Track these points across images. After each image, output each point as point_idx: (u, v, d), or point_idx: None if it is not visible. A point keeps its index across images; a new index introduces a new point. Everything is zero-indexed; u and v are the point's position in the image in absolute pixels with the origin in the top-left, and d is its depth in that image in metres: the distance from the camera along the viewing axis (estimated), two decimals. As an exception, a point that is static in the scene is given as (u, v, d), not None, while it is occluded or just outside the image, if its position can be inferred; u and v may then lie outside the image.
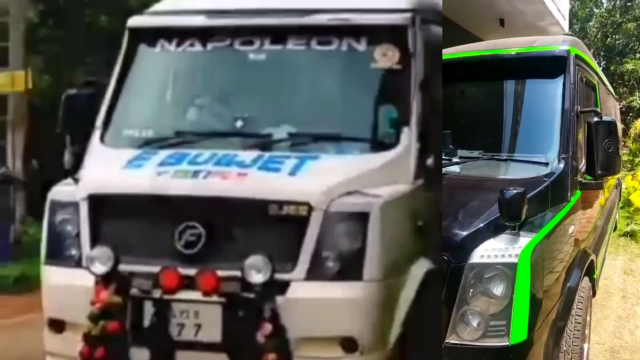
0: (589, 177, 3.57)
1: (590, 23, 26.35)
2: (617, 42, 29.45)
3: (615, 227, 9.11)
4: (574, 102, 3.58)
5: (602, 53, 28.73)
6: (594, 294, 4.12)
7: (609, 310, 5.84)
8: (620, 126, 14.84)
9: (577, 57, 3.88)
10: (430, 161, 2.71)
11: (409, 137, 2.66)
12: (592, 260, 3.84)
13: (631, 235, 9.35)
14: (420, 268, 2.59)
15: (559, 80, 3.66)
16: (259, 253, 2.39)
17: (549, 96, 3.69)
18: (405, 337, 2.51)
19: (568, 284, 3.23)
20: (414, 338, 2.54)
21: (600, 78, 5.55)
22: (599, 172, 3.42)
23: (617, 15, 28.47)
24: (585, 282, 3.61)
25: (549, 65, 3.77)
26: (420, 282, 2.56)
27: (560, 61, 3.72)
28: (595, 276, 4.14)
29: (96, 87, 2.91)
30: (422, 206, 2.63)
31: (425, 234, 2.64)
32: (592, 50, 25.98)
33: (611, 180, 7.12)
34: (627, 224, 9.66)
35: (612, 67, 27.78)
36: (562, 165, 3.36)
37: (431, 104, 2.75)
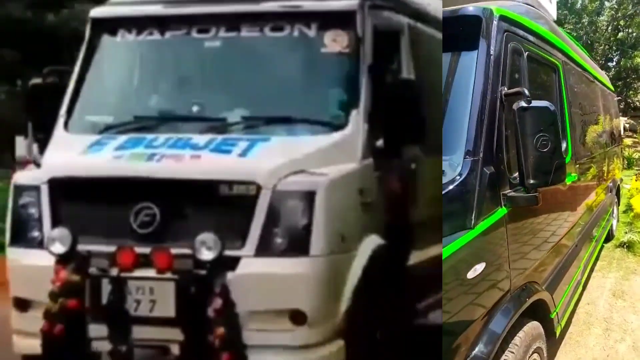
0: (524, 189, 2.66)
1: (601, 17, 25.50)
2: (630, 35, 28.51)
3: (612, 237, 8.19)
4: (495, 81, 2.65)
5: (613, 47, 28.13)
6: (555, 335, 3.53)
7: (584, 350, 4.57)
8: (622, 121, 14.18)
9: (508, 21, 2.91)
10: (380, 142, 2.82)
11: (357, 119, 2.77)
12: (541, 299, 3.13)
13: (628, 246, 7.94)
14: (369, 244, 2.70)
15: (472, 52, 2.72)
16: (210, 231, 2.52)
17: (458, 73, 2.75)
18: (354, 310, 2.62)
19: (487, 331, 2.52)
20: (362, 310, 2.65)
21: (572, 58, 4.73)
22: (530, 181, 2.59)
23: (629, 7, 27.62)
24: (531, 326, 2.92)
25: (460, 31, 2.79)
26: (369, 257, 2.68)
27: (475, 24, 2.73)
28: (552, 315, 3.41)
29: (60, 76, 3.04)
30: (370, 184, 2.75)
31: (374, 211, 2.76)
32: (603, 46, 25.33)
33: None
34: (626, 232, 8.30)
35: (622, 62, 27.24)
36: (464, 173, 2.41)
37: (382, 87, 2.85)
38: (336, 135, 2.75)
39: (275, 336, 2.54)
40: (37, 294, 2.65)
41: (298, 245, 2.55)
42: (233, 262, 2.55)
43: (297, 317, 2.54)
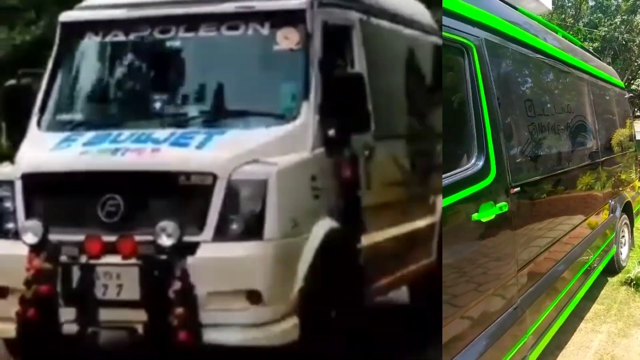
0: None
1: (637, 17, 23.83)
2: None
3: (619, 268, 6.77)
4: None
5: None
6: None
7: None
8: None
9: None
10: (331, 132, 3.05)
11: (308, 111, 3.00)
12: None
13: (637, 285, 6.25)
14: (321, 227, 2.93)
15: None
16: (170, 219, 2.76)
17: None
18: (307, 289, 2.85)
19: None
20: (315, 290, 2.89)
21: (520, 41, 3.88)
22: None
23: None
24: None
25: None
26: (322, 239, 2.91)
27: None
28: None
29: (33, 78, 3.30)
30: (321, 172, 2.98)
31: (326, 196, 2.99)
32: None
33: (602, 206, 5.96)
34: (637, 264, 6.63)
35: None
36: None
37: (331, 80, 3.07)
38: (288, 127, 2.99)
39: (233, 315, 2.77)
40: (14, 282, 2.88)
41: (253, 230, 2.79)
42: (192, 247, 2.78)
43: (253, 297, 2.77)
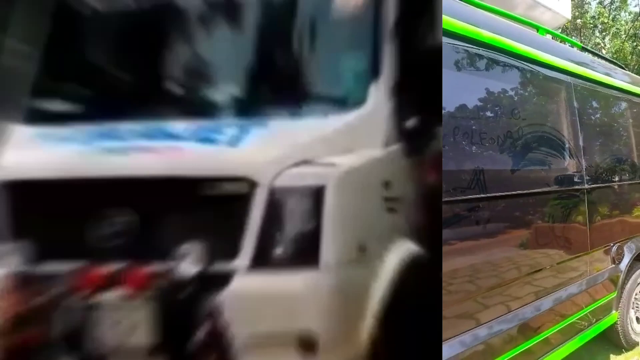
0: None
1: None
2: None
3: (628, 343, 4.83)
4: None
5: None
6: None
7: None
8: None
9: None
10: (410, 122, 2.33)
11: (377, 94, 2.29)
12: None
13: None
14: (397, 252, 2.22)
15: None
16: (195, 241, 2.09)
17: None
18: (378, 336, 2.14)
19: None
20: (394, 333, 2.18)
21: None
22: None
23: None
24: None
25: None
26: (398, 268, 2.19)
27: None
28: None
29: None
30: (397, 176, 2.26)
31: (404, 209, 2.27)
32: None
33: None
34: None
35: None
36: None
37: (411, 52, 2.37)
38: (352, 116, 2.27)
39: None
40: None
41: (305, 254, 2.11)
42: (224, 278, 2.11)
43: (306, 344, 2.09)
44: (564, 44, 5.25)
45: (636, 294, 4.97)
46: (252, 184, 2.13)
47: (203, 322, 2.09)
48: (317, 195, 2.10)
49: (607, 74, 4.94)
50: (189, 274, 2.10)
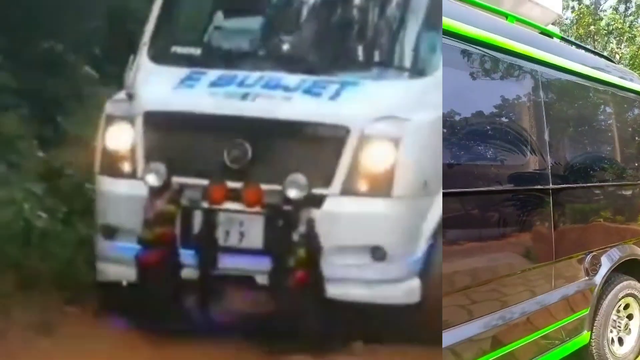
0: None
1: None
2: None
3: None
4: None
5: None
6: None
7: None
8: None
9: None
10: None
11: (440, 66, 3.00)
12: None
13: None
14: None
15: None
16: (299, 171, 2.78)
17: None
18: (431, 252, 2.91)
19: None
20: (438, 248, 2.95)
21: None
22: None
23: None
24: None
25: None
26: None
27: None
28: None
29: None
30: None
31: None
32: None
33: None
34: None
35: None
36: None
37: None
38: (426, 80, 2.99)
39: (356, 270, 2.82)
40: (127, 222, 2.89)
41: (382, 187, 2.82)
42: (319, 200, 2.81)
43: (377, 253, 2.82)
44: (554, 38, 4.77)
45: (617, 312, 4.38)
46: (347, 131, 2.83)
47: (301, 232, 2.80)
48: (395, 142, 2.83)
49: (595, 67, 4.57)
50: (295, 197, 2.79)
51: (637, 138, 5.15)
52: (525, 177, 3.60)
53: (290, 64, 3.00)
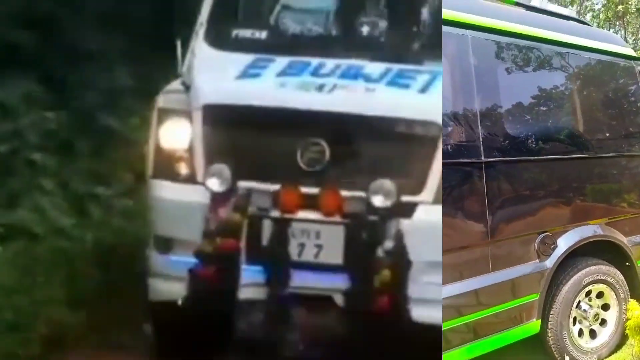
0: None
1: None
2: None
3: None
4: None
5: None
6: None
7: None
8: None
9: None
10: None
11: None
12: None
13: None
14: None
15: None
16: (386, 175, 2.41)
17: None
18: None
19: None
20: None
21: None
22: None
23: None
24: None
25: None
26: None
27: None
28: None
29: None
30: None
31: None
32: None
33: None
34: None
35: None
36: None
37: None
38: None
39: (436, 289, 2.48)
40: (184, 233, 2.54)
41: None
42: (409, 209, 2.44)
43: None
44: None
45: (589, 301, 3.95)
46: (439, 128, 2.46)
47: (388, 247, 2.42)
48: None
49: (557, 30, 4.05)
50: (381, 205, 2.42)
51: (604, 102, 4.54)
52: (453, 150, 3.21)
53: (372, 49, 2.62)
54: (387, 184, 2.42)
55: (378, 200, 2.42)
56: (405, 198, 2.44)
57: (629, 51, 4.59)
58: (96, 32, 3.19)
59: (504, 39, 3.62)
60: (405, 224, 2.43)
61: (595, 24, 12.76)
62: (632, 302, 3.52)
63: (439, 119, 2.45)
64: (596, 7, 18.24)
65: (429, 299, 2.47)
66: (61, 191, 2.87)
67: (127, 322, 2.65)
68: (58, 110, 2.94)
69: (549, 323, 3.69)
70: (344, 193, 2.45)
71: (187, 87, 2.62)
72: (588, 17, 14.74)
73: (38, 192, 2.85)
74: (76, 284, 2.67)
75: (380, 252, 2.43)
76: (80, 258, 2.81)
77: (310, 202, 2.46)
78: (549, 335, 3.70)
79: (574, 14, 4.75)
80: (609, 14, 16.79)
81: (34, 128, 2.91)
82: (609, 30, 12.78)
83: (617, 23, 17.31)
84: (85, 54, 3.09)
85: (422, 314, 2.47)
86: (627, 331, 3.39)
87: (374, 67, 2.56)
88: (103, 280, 2.79)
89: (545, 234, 3.64)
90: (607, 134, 4.43)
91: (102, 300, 2.69)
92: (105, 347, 2.56)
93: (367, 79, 2.53)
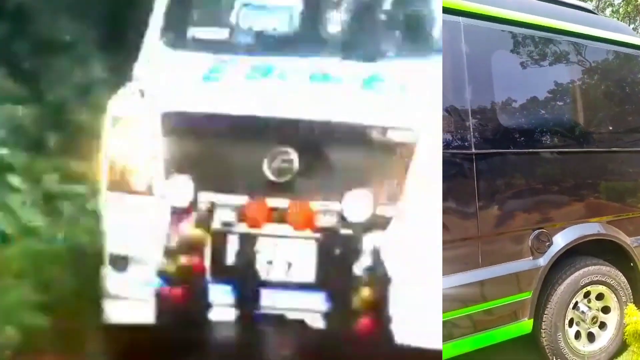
0: None
1: None
2: None
3: None
4: None
5: None
6: None
7: None
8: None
9: None
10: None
11: None
12: None
13: None
14: None
15: None
16: (361, 186, 2.24)
17: None
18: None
19: None
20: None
21: None
22: None
23: None
24: None
25: None
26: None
27: None
28: None
29: None
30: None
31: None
32: None
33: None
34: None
35: None
36: None
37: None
38: None
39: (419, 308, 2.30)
40: (140, 251, 2.34)
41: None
42: (385, 221, 2.27)
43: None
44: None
45: (588, 302, 3.79)
46: (415, 135, 2.28)
47: (364, 263, 2.25)
48: None
49: (562, 19, 3.87)
50: (356, 219, 2.25)
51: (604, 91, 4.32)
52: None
53: (343, 49, 2.43)
54: (363, 194, 2.24)
55: (352, 213, 2.25)
56: (381, 210, 2.26)
57: (637, 40, 4.34)
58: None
59: (499, 27, 3.47)
60: (381, 237, 2.26)
61: (615, 19, 12.67)
62: (630, 307, 3.37)
63: (414, 124, 2.27)
64: (615, 2, 18.29)
65: (406, 319, 2.30)
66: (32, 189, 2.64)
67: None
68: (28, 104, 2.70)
69: (543, 323, 3.56)
70: (315, 205, 2.27)
71: (142, 93, 2.42)
72: (607, 12, 14.67)
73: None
74: (47, 287, 2.46)
75: (355, 268, 2.26)
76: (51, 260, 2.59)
77: (278, 216, 2.29)
78: (543, 335, 3.57)
79: (579, 2, 4.43)
80: (628, 9, 16.79)
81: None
82: (628, 24, 12.63)
83: (638, 18, 17.29)
84: (57, 45, 2.85)
85: (406, 338, 2.30)
86: (625, 337, 3.24)
87: (345, 68, 2.38)
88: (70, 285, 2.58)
89: (540, 230, 3.50)
90: (610, 127, 4.24)
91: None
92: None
93: (338, 81, 2.35)
